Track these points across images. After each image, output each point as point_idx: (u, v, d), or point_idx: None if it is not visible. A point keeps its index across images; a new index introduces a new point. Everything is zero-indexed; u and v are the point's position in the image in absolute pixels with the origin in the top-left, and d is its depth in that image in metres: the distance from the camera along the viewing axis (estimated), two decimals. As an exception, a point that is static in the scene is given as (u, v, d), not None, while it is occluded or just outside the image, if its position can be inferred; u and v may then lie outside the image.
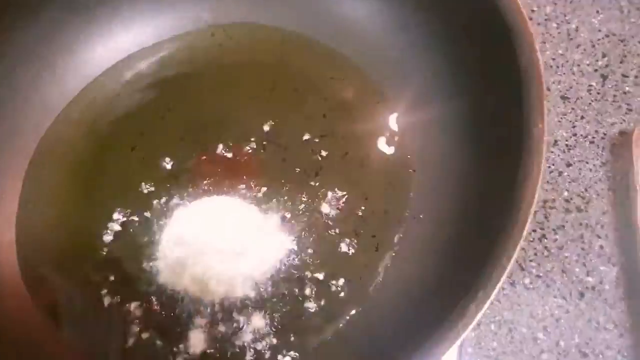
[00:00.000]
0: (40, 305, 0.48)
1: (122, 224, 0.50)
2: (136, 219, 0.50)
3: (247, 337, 0.46)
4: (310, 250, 0.49)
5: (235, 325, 0.46)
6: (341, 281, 0.47)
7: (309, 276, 0.48)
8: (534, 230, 0.53)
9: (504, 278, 0.35)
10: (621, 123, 0.57)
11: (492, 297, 0.35)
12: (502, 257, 0.35)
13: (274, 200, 0.50)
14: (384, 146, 0.52)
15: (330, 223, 0.50)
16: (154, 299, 0.47)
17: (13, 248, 0.50)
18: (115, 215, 0.50)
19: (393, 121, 0.53)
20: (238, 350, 0.45)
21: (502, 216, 0.37)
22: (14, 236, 0.50)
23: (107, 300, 0.47)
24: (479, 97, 0.47)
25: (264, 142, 0.53)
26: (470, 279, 0.36)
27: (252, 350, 0.45)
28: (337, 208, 0.50)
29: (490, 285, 0.35)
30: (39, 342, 0.46)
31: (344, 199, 0.50)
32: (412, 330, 0.37)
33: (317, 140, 0.53)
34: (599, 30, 0.62)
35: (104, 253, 0.49)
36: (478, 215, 0.42)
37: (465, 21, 0.47)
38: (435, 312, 0.36)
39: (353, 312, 0.46)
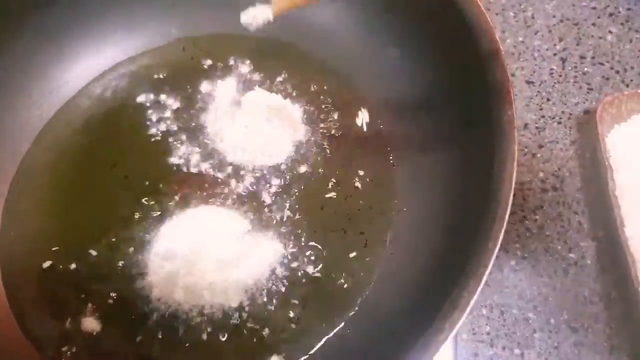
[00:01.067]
0: (26, 329, 0.44)
1: (107, 244, 0.46)
2: (121, 236, 0.46)
3: (245, 343, 0.42)
4: (299, 253, 0.45)
5: (232, 332, 0.43)
6: (335, 281, 0.44)
7: (301, 279, 0.44)
8: (515, 213, 0.51)
9: (491, 263, 0.33)
10: (584, 102, 0.56)
11: (482, 283, 0.32)
12: (487, 242, 0.33)
13: (260, 206, 0.47)
14: (362, 142, 0.50)
15: (317, 224, 0.47)
16: (147, 317, 0.43)
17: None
18: (99, 235, 0.46)
19: (368, 117, 0.51)
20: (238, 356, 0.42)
21: (484, 203, 0.35)
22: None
23: (96, 323, 0.43)
24: (450, 90, 0.45)
25: (244, 149, 0.50)
26: (460, 267, 0.34)
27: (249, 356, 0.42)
28: (321, 208, 0.47)
29: (479, 272, 0.33)
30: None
31: (329, 199, 0.47)
32: (410, 324, 0.35)
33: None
34: (554, 16, 0.61)
35: (90, 274, 0.45)
36: (461, 204, 0.41)
37: (426, 19, 0.46)
38: (430, 304, 0.34)
39: (351, 312, 0.43)
